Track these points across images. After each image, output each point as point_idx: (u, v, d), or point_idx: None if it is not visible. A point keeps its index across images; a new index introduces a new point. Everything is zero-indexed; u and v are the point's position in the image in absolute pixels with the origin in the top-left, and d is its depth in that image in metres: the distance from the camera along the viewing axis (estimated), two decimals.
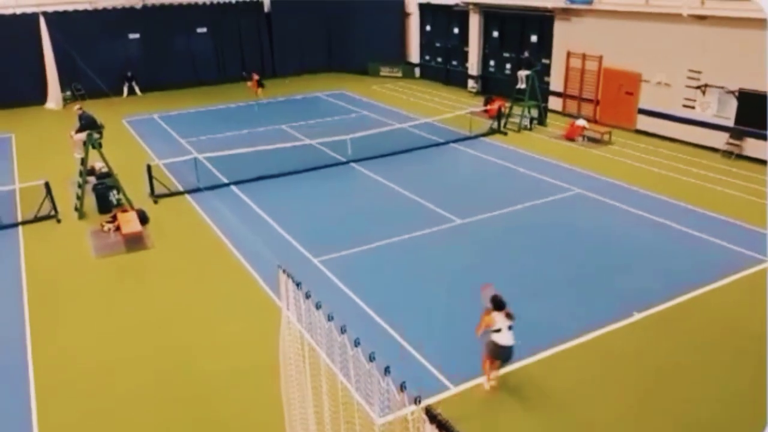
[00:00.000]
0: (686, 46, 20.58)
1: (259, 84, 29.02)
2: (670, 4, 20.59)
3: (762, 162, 18.84)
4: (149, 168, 17.35)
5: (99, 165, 16.93)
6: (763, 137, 18.93)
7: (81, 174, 16.32)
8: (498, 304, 8.87)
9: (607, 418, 8.68)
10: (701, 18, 19.81)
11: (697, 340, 10.35)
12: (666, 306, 11.27)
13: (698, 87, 20.55)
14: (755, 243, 13.62)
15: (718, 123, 20.15)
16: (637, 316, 10.98)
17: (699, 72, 20.43)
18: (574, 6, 23.93)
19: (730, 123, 19.84)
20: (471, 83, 30.61)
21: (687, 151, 20.57)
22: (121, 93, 30.79)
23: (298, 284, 6.22)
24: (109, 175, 16.55)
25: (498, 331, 8.83)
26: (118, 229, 14.94)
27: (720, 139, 20.08)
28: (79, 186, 16.24)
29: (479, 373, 9.37)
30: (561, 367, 9.75)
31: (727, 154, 19.78)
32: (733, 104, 19.69)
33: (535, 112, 24.04)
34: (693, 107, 20.88)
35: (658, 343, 10.30)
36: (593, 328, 10.61)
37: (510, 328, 8.84)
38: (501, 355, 9.00)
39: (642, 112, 22.67)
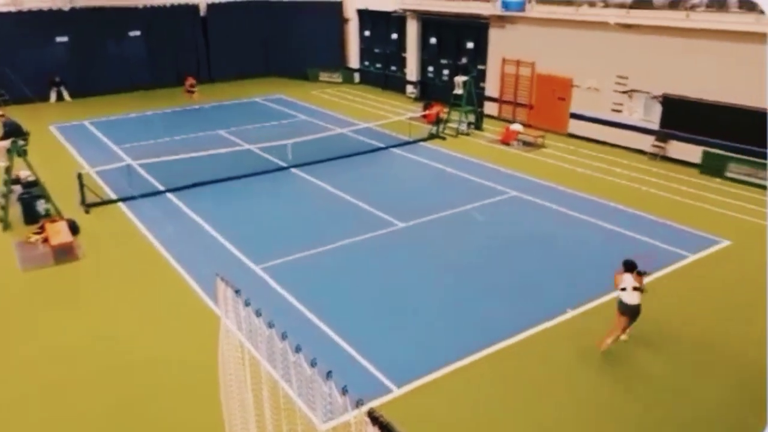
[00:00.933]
0: (614, 53, 21.50)
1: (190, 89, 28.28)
2: (598, 12, 21.48)
3: (684, 163, 19.86)
4: (80, 176, 16.70)
5: (25, 173, 16.16)
6: (685, 140, 19.95)
7: (5, 183, 15.54)
8: (628, 266, 9.98)
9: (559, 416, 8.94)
10: (627, 26, 20.74)
11: (635, 334, 10.79)
12: (599, 302, 11.70)
13: (625, 92, 21.49)
14: (680, 240, 14.34)
15: (645, 126, 21.13)
16: (570, 313, 11.36)
17: (626, 78, 21.37)
18: (508, 13, 24.58)
19: (656, 126, 20.83)
20: (410, 89, 30.95)
21: (616, 153, 21.46)
22: (47, 99, 29.52)
23: (237, 291, 6.14)
24: (35, 183, 15.84)
25: (624, 289, 9.89)
26: (46, 240, 14.30)
27: (646, 142, 21.05)
28: (3, 196, 15.46)
29: (422, 375, 9.51)
30: (502, 365, 9.97)
31: (653, 155, 20.75)
32: (657, 109, 20.68)
33: (472, 117, 24.54)
34: (621, 111, 21.81)
35: (591, 337, 10.68)
36: (531, 325, 10.90)
37: (635, 289, 9.84)
38: (626, 311, 9.94)
39: (574, 116, 23.50)
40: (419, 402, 9.11)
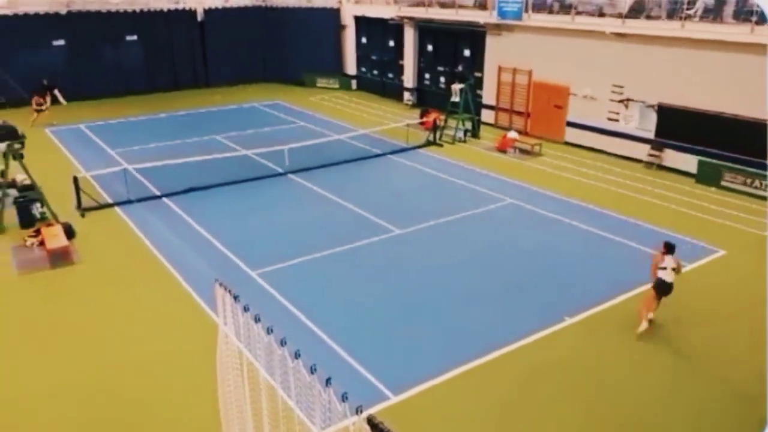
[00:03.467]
0: (610, 62, 21.61)
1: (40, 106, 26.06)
2: (594, 21, 21.61)
3: (680, 172, 19.95)
4: (76, 180, 16.63)
5: (20, 177, 16.10)
6: (680, 149, 20.06)
7: (1, 186, 15.48)
8: (669, 247, 10.78)
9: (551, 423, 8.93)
10: (623, 36, 20.87)
11: (626, 342, 10.81)
12: (594, 311, 11.72)
13: (621, 101, 21.59)
14: (678, 249, 14.34)
15: (640, 135, 21.22)
16: (568, 321, 11.37)
17: (622, 87, 21.48)
18: (505, 22, 24.70)
19: (651, 135, 20.93)
20: (407, 96, 31.02)
21: (612, 161, 21.55)
22: None
23: (236, 297, 6.12)
24: (31, 187, 15.78)
25: (664, 269, 10.70)
26: (42, 243, 14.25)
27: (642, 151, 21.14)
28: None
29: (420, 382, 9.49)
30: (500, 373, 9.96)
31: (649, 164, 20.85)
32: (653, 118, 20.79)
33: (468, 125, 24.61)
34: (617, 120, 21.92)
35: (589, 345, 10.69)
36: (528, 334, 10.90)
37: (674, 270, 10.71)
38: (664, 290, 10.84)
39: (570, 124, 23.59)
40: (416, 409, 9.09)
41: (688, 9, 19.10)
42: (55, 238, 14.16)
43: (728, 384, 9.74)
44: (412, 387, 9.46)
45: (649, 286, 11.21)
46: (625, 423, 8.89)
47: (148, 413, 9.01)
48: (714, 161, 19.03)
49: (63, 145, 23.06)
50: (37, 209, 15.77)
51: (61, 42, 30.38)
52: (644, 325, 10.87)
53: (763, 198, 17.60)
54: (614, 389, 9.62)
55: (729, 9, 18.52)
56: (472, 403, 9.26)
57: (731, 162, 18.67)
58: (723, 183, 18.68)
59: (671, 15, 19.70)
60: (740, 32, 17.71)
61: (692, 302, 12.18)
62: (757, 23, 17.35)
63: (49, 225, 14.84)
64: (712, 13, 18.87)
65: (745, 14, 17.91)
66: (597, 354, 10.51)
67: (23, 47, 29.00)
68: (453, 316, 11.64)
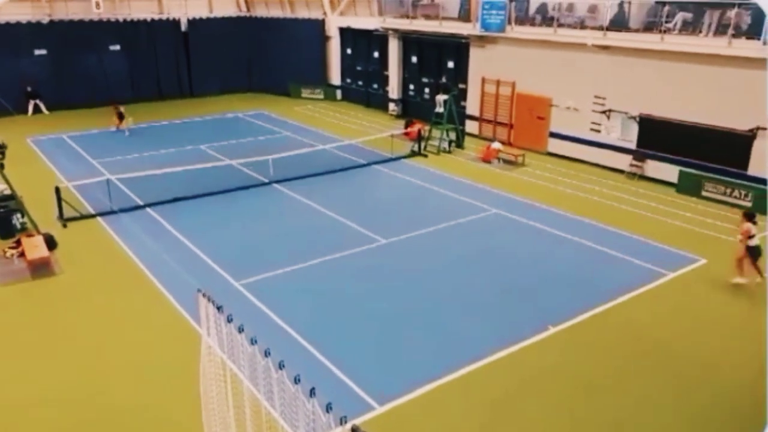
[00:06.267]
0: (592, 74, 21.89)
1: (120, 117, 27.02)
2: (576, 34, 21.90)
3: (661, 182, 20.20)
4: (57, 190, 16.47)
5: (1, 187, 15.91)
6: (662, 159, 20.33)
7: None
8: (750, 216, 12.85)
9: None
10: (604, 48, 21.16)
11: (611, 350, 10.89)
12: (578, 320, 11.79)
13: (603, 112, 21.86)
14: (657, 258, 14.54)
15: (622, 146, 21.48)
16: (552, 330, 11.43)
17: (604, 98, 21.75)
18: (488, 34, 24.93)
19: (633, 146, 21.20)
20: (392, 106, 31.15)
21: (595, 172, 21.77)
22: (25, 111, 29.17)
23: (219, 308, 6.09)
24: (12, 197, 15.59)
25: (752, 236, 12.70)
26: (22, 254, 14.06)
27: (624, 161, 21.40)
28: None
29: (406, 392, 9.49)
30: (485, 383, 9.98)
31: (631, 175, 21.09)
32: (634, 128, 21.07)
33: (453, 135, 24.75)
34: (599, 131, 22.17)
35: (575, 353, 10.75)
36: (513, 342, 10.94)
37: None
38: (759, 253, 12.82)
39: (553, 135, 23.82)
40: (401, 419, 9.06)
41: (667, 22, 19.44)
42: (35, 248, 13.98)
43: (713, 391, 9.83)
44: (397, 397, 9.43)
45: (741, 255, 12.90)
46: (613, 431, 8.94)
47: (131, 423, 8.89)
48: (694, 171, 19.30)
49: (45, 155, 22.83)
50: (17, 220, 15.58)
51: (43, 51, 30.14)
52: (748, 279, 12.93)
53: (743, 207, 17.85)
54: (602, 396, 9.67)
55: (707, 22, 18.84)
56: (458, 413, 9.25)
57: (711, 172, 18.96)
58: (703, 193, 18.94)
59: (650, 28, 20.03)
60: (717, 45, 18.06)
61: (675, 310, 12.32)
62: (734, 36, 17.71)
63: (30, 235, 14.66)
64: (691, 26, 19.21)
65: (722, 28, 18.26)
66: (583, 361, 10.56)
67: (4, 56, 28.75)
68: (437, 325, 11.64)
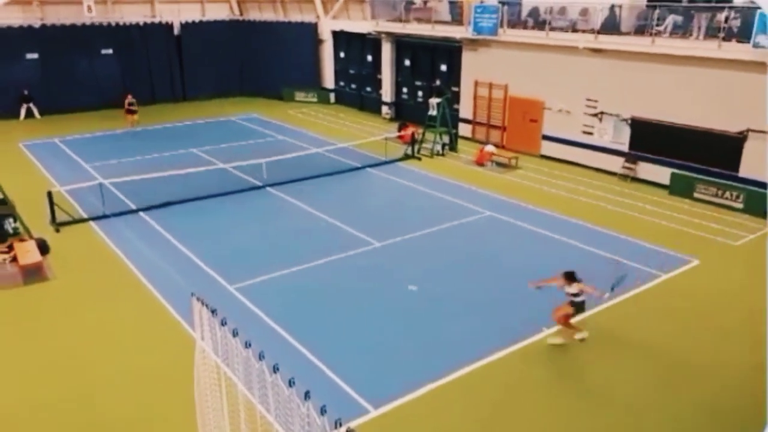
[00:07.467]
0: (584, 77, 22.01)
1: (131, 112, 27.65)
2: (568, 37, 22.01)
3: (654, 184, 20.32)
4: (50, 194, 16.41)
5: None
6: (654, 161, 20.45)
7: None
8: (571, 276, 11.04)
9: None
10: (596, 51, 21.28)
11: (606, 351, 10.93)
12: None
13: (595, 114, 21.97)
14: (651, 259, 14.61)
15: (614, 148, 21.59)
16: (546, 332, 11.46)
17: (596, 101, 21.87)
18: (480, 37, 25.03)
19: (625, 148, 21.31)
20: (385, 109, 31.19)
21: (588, 174, 21.86)
22: (17, 116, 29.04)
23: (213, 311, 6.09)
24: (4, 202, 15.52)
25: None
26: (14, 259, 13.99)
27: (616, 163, 21.50)
28: None
29: (401, 395, 9.49)
30: (479, 385, 9.99)
31: (623, 177, 21.20)
32: (627, 131, 21.18)
33: (446, 138, 24.81)
34: (591, 133, 22.27)
35: (567, 356, 10.78)
36: (508, 345, 10.96)
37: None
38: (581, 310, 11.29)
39: (546, 138, 23.90)
40: (396, 423, 9.07)
41: (658, 26, 19.58)
42: (28, 253, 13.92)
43: (713, 391, 9.89)
44: (392, 400, 9.44)
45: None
46: None
47: (125, 428, 8.86)
48: (686, 173, 19.42)
49: (37, 160, 22.73)
50: (9, 224, 15.49)
51: (35, 55, 30.02)
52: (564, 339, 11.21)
53: (734, 209, 18.00)
54: (597, 398, 9.71)
55: (697, 25, 18.99)
56: (453, 416, 9.26)
57: (703, 174, 19.08)
58: (695, 195, 19.05)
59: (641, 31, 20.16)
60: (707, 48, 18.20)
61: (668, 310, 12.38)
62: (724, 39, 17.85)
63: (22, 240, 14.59)
64: (681, 29, 19.35)
65: (712, 31, 18.41)
66: (577, 364, 10.60)
67: None
68: (431, 327, 11.66)
